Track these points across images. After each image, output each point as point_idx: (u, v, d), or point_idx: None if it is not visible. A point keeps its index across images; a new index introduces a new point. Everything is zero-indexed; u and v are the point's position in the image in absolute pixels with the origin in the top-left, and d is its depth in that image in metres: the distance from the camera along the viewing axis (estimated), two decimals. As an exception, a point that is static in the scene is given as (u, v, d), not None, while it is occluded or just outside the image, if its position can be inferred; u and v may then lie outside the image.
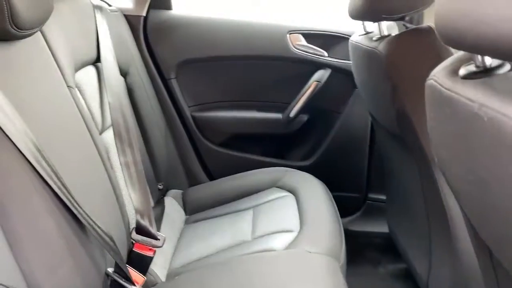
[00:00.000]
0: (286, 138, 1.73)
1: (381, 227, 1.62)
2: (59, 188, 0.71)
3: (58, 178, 0.72)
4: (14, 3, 0.66)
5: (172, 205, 1.47)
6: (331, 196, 1.34)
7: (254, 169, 1.53)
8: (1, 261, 0.62)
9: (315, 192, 1.34)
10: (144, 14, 1.54)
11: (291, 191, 1.37)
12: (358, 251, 1.59)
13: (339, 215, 1.26)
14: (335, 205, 1.29)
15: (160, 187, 1.50)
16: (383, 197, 1.64)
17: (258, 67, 1.63)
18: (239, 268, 0.99)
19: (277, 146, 1.74)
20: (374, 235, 1.71)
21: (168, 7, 1.60)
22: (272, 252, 1.07)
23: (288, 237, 1.12)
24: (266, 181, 1.46)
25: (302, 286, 0.91)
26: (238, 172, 1.54)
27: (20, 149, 0.66)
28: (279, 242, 1.11)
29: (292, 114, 1.63)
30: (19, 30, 0.70)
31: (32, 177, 0.68)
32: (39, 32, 0.87)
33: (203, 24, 1.61)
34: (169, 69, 1.59)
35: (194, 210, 1.49)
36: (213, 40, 1.60)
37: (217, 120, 1.67)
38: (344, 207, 1.46)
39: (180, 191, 1.57)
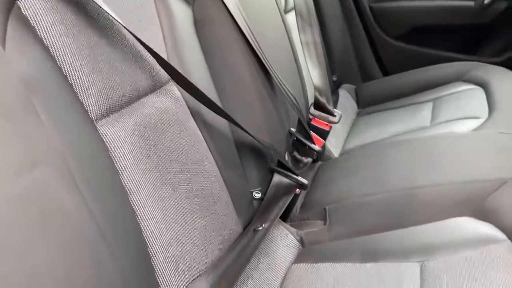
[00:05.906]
0: (476, 30, 1.52)
1: None
2: (254, 44, 0.78)
3: (253, 36, 0.79)
4: None
5: (346, 98, 1.47)
6: None
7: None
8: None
9: (510, 85, 1.18)
10: None
11: (480, 84, 1.23)
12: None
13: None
14: None
15: (334, 79, 1.51)
16: None
17: None
18: (418, 145, 0.95)
19: (464, 40, 1.55)
20: None
21: None
22: (456, 133, 1.00)
23: (474, 123, 1.03)
24: (450, 75, 1.34)
25: (494, 165, 0.81)
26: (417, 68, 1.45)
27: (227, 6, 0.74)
28: (463, 127, 1.03)
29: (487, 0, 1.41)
30: None
31: (232, 28, 0.75)
32: None
33: None
34: None
35: (368, 104, 1.47)
36: None
37: (397, 10, 1.55)
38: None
39: (353, 86, 1.56)
